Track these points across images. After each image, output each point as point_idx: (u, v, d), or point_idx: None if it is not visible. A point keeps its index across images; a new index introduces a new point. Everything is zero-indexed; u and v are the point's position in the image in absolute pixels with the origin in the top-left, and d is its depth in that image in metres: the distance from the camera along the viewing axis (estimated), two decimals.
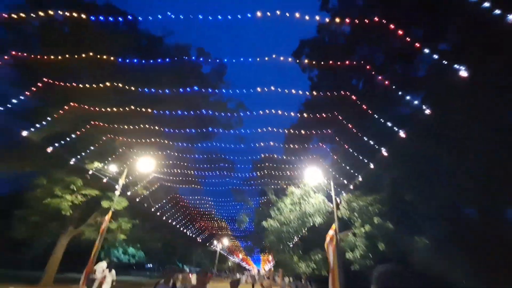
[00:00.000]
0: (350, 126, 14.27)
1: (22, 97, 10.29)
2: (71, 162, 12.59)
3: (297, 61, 28.13)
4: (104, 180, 14.51)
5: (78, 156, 13.30)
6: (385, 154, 11.85)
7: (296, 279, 34.66)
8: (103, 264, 13.97)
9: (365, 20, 15.10)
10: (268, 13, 9.44)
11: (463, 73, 6.59)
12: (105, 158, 15.60)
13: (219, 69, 20.33)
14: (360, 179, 11.74)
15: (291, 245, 16.20)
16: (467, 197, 13.98)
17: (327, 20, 17.13)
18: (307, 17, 9.73)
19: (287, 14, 9.43)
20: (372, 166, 13.06)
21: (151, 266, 55.25)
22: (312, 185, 14.87)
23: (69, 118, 14.21)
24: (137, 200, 17.65)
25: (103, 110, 12.36)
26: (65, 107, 12.09)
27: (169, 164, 17.25)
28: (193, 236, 39.55)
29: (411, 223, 12.22)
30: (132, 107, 12.44)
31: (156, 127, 14.98)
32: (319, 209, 14.42)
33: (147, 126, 14.83)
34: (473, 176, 13.20)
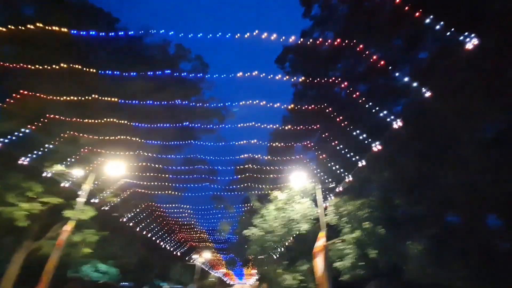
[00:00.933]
0: (338, 121, 13.70)
1: None
2: (23, 162, 10.90)
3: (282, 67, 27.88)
4: (65, 185, 12.82)
5: (31, 156, 11.60)
6: (377, 148, 11.26)
7: None
8: None
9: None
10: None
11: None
12: (68, 160, 13.92)
13: (201, 67, 19.40)
14: (350, 178, 11.04)
15: (276, 256, 15.04)
16: (451, 204, 13.73)
17: None
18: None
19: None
20: (361, 164, 12.43)
21: (127, 284, 50.94)
22: (298, 189, 13.98)
23: (23, 112, 12.58)
24: (105, 209, 15.81)
25: (60, 99, 10.86)
26: (14, 95, 10.54)
27: (142, 167, 15.73)
28: (172, 250, 37.05)
29: (402, 228, 11.56)
30: (95, 96, 11.06)
31: (125, 121, 13.53)
32: (305, 215, 13.48)
33: (114, 120, 13.38)
34: (456, 184, 13.00)
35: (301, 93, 26.77)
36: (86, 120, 13.10)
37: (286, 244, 14.05)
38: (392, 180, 12.90)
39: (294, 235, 14.25)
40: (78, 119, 12.07)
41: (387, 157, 12.57)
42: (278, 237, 13.57)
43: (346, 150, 13.94)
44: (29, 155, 11.28)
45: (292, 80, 20.40)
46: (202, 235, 33.46)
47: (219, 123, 20.36)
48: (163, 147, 17.04)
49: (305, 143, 17.31)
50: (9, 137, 11.01)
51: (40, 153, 12.66)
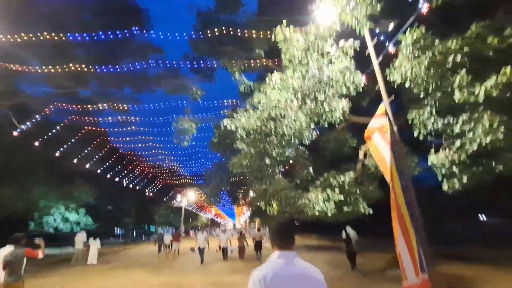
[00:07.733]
0: None
1: None
2: None
3: None
4: None
5: None
6: None
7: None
8: (82, 235, 13.78)
9: None
10: None
11: None
12: None
13: None
14: None
15: (282, 167, 8.60)
16: None
17: None
18: None
19: None
20: None
21: (119, 232, 47.24)
22: (327, 28, 6.64)
23: None
24: None
25: None
26: None
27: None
28: (141, 189, 31.10)
29: None
30: None
31: None
32: (341, 80, 6.51)
33: None
34: None
35: None
36: None
37: (308, 139, 7.30)
38: None
39: (320, 124, 7.49)
40: None
41: None
42: (293, 126, 6.72)
43: None
44: None
45: None
46: (172, 165, 27.07)
47: None
48: None
49: None
50: None
51: None
